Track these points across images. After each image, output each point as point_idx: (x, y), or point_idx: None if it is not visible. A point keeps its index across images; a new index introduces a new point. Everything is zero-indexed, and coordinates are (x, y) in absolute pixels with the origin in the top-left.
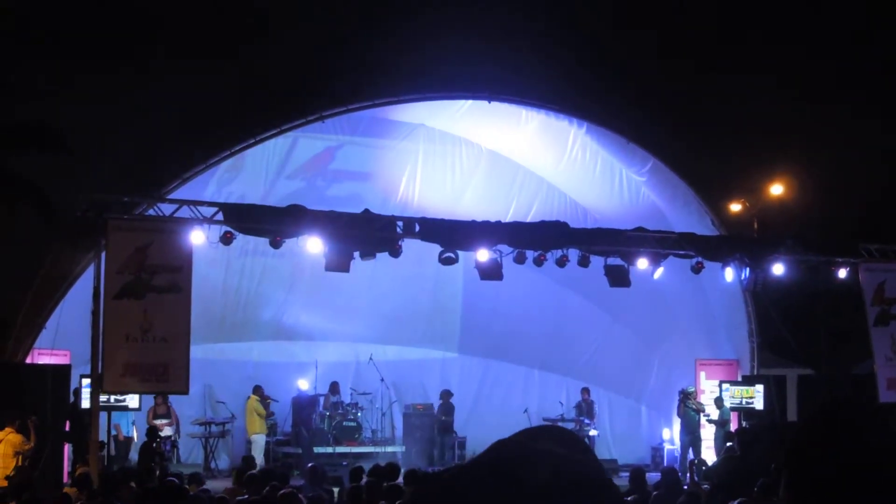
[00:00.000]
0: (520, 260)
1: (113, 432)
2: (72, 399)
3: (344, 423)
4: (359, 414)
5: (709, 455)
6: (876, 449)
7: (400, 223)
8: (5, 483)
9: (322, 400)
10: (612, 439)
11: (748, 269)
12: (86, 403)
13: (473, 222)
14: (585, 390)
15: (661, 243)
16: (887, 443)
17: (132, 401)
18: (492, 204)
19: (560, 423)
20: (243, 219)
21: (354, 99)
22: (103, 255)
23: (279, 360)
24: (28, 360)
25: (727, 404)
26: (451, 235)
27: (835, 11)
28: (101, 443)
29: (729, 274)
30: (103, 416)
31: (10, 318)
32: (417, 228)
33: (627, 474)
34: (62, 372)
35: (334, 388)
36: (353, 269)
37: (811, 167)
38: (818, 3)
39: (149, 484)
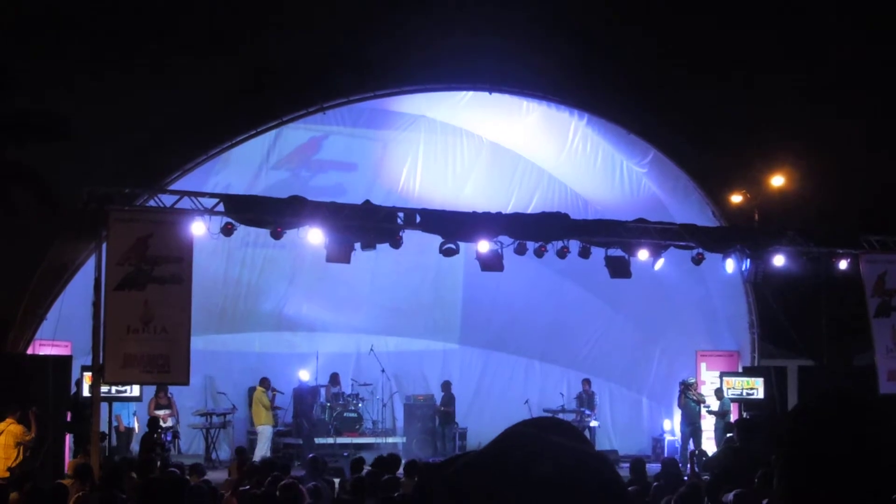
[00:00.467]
0: (520, 251)
1: (114, 423)
2: (73, 390)
3: (345, 414)
4: (360, 405)
5: (709, 446)
6: (869, 438)
7: (401, 214)
8: (7, 474)
9: (323, 391)
10: (612, 430)
11: (749, 260)
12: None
13: (474, 213)
14: (586, 381)
15: (662, 234)
16: (881, 432)
17: (133, 391)
18: (493, 195)
19: (561, 415)
20: (244, 210)
21: (355, 90)
22: (104, 246)
23: (280, 351)
24: (29, 351)
25: (727, 395)
26: (452, 227)
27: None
28: (102, 433)
29: (730, 265)
30: (104, 406)
31: (11, 309)
32: (418, 219)
33: (628, 465)
34: (63, 363)
35: (335, 379)
36: (353, 261)
37: (812, 158)
38: None
39: (150, 474)
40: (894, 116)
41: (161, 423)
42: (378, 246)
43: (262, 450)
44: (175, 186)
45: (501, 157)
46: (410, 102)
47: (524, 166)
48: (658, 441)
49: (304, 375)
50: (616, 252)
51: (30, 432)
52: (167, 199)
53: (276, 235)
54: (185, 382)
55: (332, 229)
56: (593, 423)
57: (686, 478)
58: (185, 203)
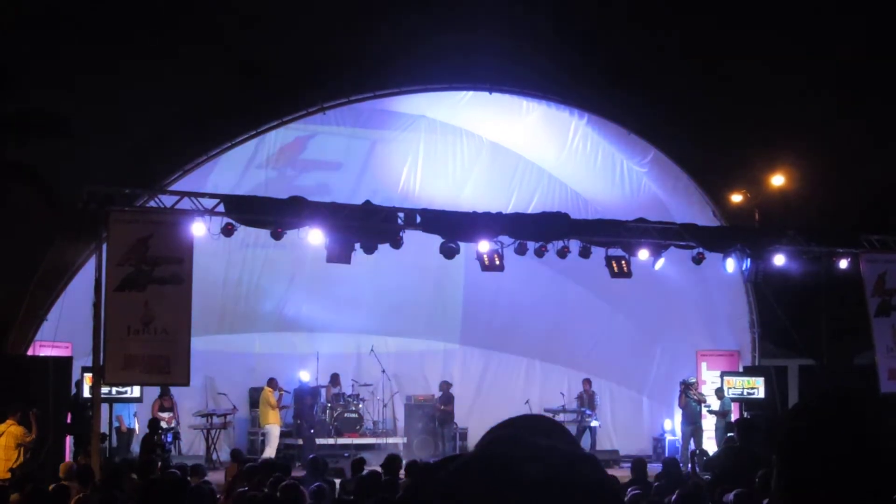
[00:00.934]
0: (521, 251)
1: (115, 424)
2: (73, 391)
3: (345, 415)
4: (360, 405)
5: (710, 445)
6: (869, 437)
7: (401, 214)
8: (8, 475)
9: (323, 391)
10: (613, 430)
11: (749, 259)
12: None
13: (475, 213)
14: (587, 381)
15: (663, 234)
16: (881, 431)
17: (134, 392)
18: (493, 195)
19: (561, 415)
20: (244, 210)
21: (356, 90)
22: (104, 246)
23: (280, 351)
24: (30, 352)
25: (728, 395)
26: (453, 227)
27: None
28: (102, 434)
29: (730, 264)
30: (105, 407)
31: (11, 310)
32: (419, 220)
33: (629, 465)
34: (64, 364)
35: (335, 379)
36: (354, 261)
37: (812, 158)
38: None
39: (150, 476)
40: (894, 116)
41: (162, 425)
42: (378, 246)
43: (268, 449)
44: (175, 187)
45: (501, 156)
46: (411, 102)
47: (524, 166)
48: (659, 441)
49: (305, 376)
50: (616, 252)
51: (30, 434)
52: (167, 200)
53: (277, 236)
54: (186, 383)
55: (333, 230)
56: (594, 423)
57: (687, 478)
58: (185, 203)
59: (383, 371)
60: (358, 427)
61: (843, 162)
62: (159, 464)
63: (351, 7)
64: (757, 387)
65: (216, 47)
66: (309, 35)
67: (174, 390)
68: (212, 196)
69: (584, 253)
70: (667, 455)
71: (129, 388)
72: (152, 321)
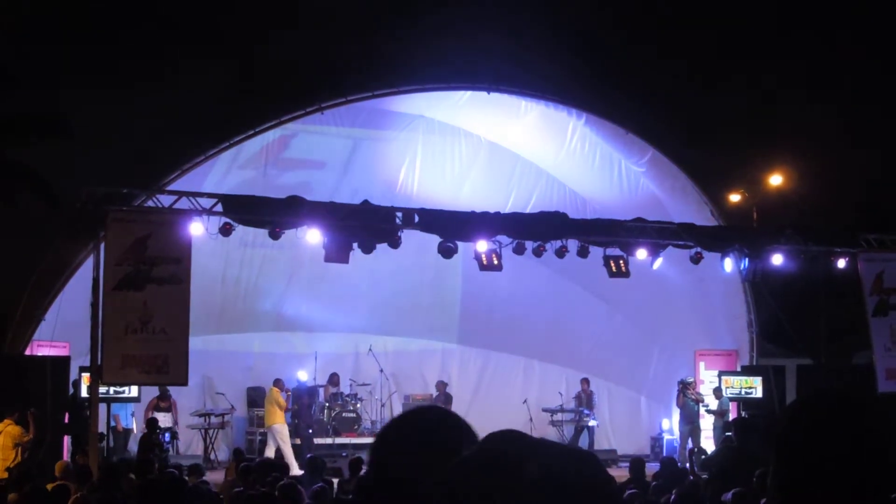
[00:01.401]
0: (519, 251)
1: (112, 423)
2: (71, 391)
3: (343, 415)
4: (358, 405)
5: (708, 445)
6: (867, 436)
7: (399, 214)
8: (6, 475)
9: (321, 391)
10: (611, 430)
11: (747, 259)
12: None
13: (473, 213)
14: (585, 381)
15: (661, 234)
16: (878, 430)
17: (131, 392)
18: (491, 195)
19: (560, 414)
20: (242, 210)
21: (354, 90)
22: (102, 246)
23: (279, 351)
24: (28, 352)
25: (726, 394)
26: (451, 226)
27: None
28: (100, 434)
29: (728, 264)
30: (103, 407)
31: (9, 309)
32: (417, 219)
33: (627, 464)
34: (61, 363)
35: (334, 379)
36: (352, 261)
37: (810, 157)
38: None
39: (148, 475)
40: (892, 116)
41: (160, 424)
42: (377, 246)
43: (277, 447)
44: (173, 187)
45: (500, 156)
46: (409, 102)
47: (522, 166)
48: (657, 440)
49: (303, 376)
50: (614, 251)
51: (28, 433)
52: (165, 200)
53: (275, 235)
54: (184, 383)
55: (331, 229)
56: (592, 423)
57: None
58: (184, 203)
59: (381, 371)
60: (356, 427)
61: (840, 161)
62: (157, 463)
63: (350, 8)
64: (755, 386)
65: (215, 48)
66: (308, 35)
67: (172, 389)
68: (210, 196)
69: (583, 252)
70: (665, 454)
71: (126, 388)
72: (150, 321)
